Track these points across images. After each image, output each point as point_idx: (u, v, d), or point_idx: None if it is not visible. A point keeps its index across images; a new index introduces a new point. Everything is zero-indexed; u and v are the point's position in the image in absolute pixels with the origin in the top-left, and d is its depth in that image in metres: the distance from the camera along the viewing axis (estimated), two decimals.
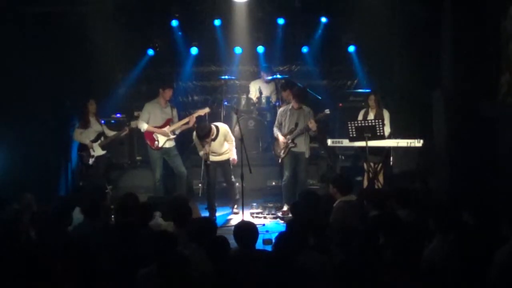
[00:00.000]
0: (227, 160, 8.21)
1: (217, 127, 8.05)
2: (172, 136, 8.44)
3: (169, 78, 10.59)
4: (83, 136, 8.50)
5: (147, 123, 8.39)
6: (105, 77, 10.16)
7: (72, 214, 5.75)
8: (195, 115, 8.43)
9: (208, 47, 11.04)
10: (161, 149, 8.41)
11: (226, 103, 10.35)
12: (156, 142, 8.39)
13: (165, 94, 8.42)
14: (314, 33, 10.82)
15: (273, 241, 4.61)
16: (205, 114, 8.64)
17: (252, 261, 4.40)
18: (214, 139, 7.99)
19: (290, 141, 8.17)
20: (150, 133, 8.42)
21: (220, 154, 8.15)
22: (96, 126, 8.59)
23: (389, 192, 6.28)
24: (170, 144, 8.46)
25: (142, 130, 8.46)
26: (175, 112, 8.56)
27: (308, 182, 8.83)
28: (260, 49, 10.99)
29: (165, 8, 10.36)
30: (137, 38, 10.60)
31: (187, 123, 8.44)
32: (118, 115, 10.09)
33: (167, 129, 8.39)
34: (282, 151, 8.28)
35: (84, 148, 8.52)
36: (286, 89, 9.13)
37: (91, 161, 8.51)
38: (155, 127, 8.41)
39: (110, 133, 8.68)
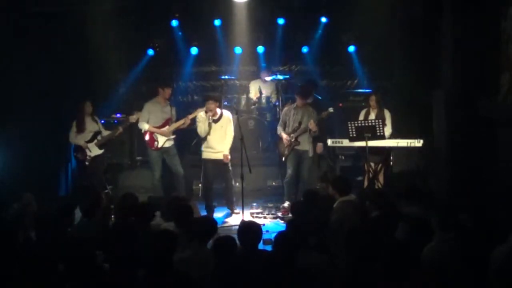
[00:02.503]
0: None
1: (222, 111, 8.15)
2: (171, 136, 8.44)
3: (169, 78, 10.58)
4: (78, 137, 8.49)
5: (147, 122, 8.39)
6: (105, 77, 10.15)
7: (73, 214, 5.76)
8: (190, 116, 8.42)
9: (208, 47, 11.04)
10: (161, 149, 8.41)
11: (226, 103, 10.35)
12: (156, 143, 8.39)
13: (165, 93, 8.42)
14: (314, 33, 10.82)
15: (273, 241, 4.61)
16: None
17: (253, 261, 4.40)
18: (216, 121, 8.02)
19: (293, 139, 8.18)
20: (150, 134, 8.41)
21: (217, 151, 8.10)
22: (91, 126, 8.57)
23: (397, 189, 6.26)
24: (169, 143, 8.46)
25: (143, 130, 8.46)
26: (174, 111, 8.56)
27: (313, 182, 8.78)
28: (260, 49, 11.00)
29: (165, 8, 10.35)
30: (137, 38, 10.60)
31: (184, 124, 8.43)
32: (118, 115, 10.08)
33: (167, 129, 8.39)
34: (286, 150, 8.28)
35: (79, 149, 8.50)
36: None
37: (87, 161, 8.50)
38: (155, 127, 8.40)
39: (105, 133, 8.68)
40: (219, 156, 8.13)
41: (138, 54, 10.71)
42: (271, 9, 10.64)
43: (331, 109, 8.22)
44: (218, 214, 8.27)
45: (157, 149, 8.39)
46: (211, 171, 8.20)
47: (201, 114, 8.13)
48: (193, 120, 8.46)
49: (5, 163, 8.07)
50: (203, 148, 8.24)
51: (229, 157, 8.18)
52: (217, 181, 8.49)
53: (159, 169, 8.45)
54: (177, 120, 8.52)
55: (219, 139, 8.09)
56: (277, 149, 8.80)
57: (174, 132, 8.44)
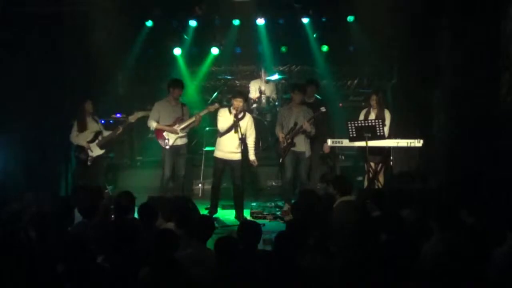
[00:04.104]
0: (238, 161, 7.95)
1: (245, 111, 8.06)
2: (182, 134, 8.41)
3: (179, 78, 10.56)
4: (80, 137, 8.50)
5: (158, 121, 8.38)
6: (105, 77, 10.16)
7: (73, 214, 5.76)
8: (202, 113, 8.40)
9: (208, 47, 11.05)
10: (172, 147, 8.40)
11: (226, 103, 10.35)
12: (166, 141, 8.35)
13: (174, 93, 8.39)
14: (314, 33, 10.81)
15: (273, 241, 4.61)
16: (214, 110, 8.57)
17: (254, 261, 4.41)
18: (240, 118, 7.88)
19: (289, 140, 8.14)
20: (160, 132, 8.39)
21: (230, 152, 7.96)
22: (93, 126, 8.58)
23: (390, 192, 6.27)
24: (181, 141, 8.42)
25: (152, 129, 8.44)
26: (185, 110, 8.50)
27: (314, 183, 8.76)
28: (261, 49, 11.01)
29: (165, 8, 10.35)
30: (138, 38, 10.58)
31: (194, 121, 8.41)
32: (118, 115, 10.09)
33: (176, 126, 8.36)
34: (283, 151, 8.25)
35: (81, 150, 8.52)
36: (309, 85, 9.02)
37: (89, 161, 8.51)
38: (166, 125, 8.39)
39: (106, 133, 8.69)
40: (232, 157, 7.97)
41: (138, 54, 10.70)
42: (271, 9, 10.63)
43: (323, 109, 8.21)
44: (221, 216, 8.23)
45: (168, 147, 8.38)
46: (221, 170, 8.10)
47: (224, 110, 8.00)
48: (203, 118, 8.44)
49: (5, 163, 8.07)
50: (216, 146, 8.14)
51: (256, 162, 8.02)
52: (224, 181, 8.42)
53: (169, 168, 8.36)
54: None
55: (234, 138, 7.88)
56: (276, 151, 8.76)
57: (183, 130, 8.40)
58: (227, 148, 7.98)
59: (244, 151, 7.95)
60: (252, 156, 8.02)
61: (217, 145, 8.13)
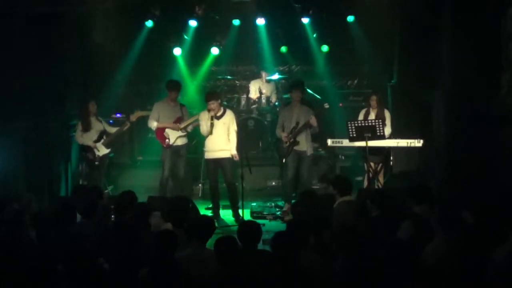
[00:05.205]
0: (227, 159, 8.03)
1: (225, 108, 8.12)
2: (182, 134, 8.41)
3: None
4: (85, 137, 8.52)
5: (158, 121, 8.38)
6: (105, 77, 10.15)
7: (73, 214, 5.76)
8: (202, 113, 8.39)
9: (208, 47, 11.04)
10: (172, 146, 8.39)
11: (225, 103, 10.35)
12: (167, 140, 8.33)
13: (171, 95, 8.41)
14: (314, 33, 10.80)
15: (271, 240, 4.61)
16: None
17: (254, 261, 4.41)
18: (219, 117, 7.98)
19: (291, 140, 8.14)
20: (161, 132, 8.38)
21: (219, 150, 8.03)
22: (97, 126, 8.61)
23: (405, 188, 6.24)
24: (182, 141, 8.43)
25: (153, 128, 8.44)
26: (184, 110, 8.51)
27: (311, 182, 8.77)
28: (261, 49, 11.01)
29: (166, 8, 10.35)
30: (138, 38, 10.58)
31: (197, 119, 8.41)
32: (118, 115, 10.09)
33: (177, 125, 8.37)
34: (286, 151, 8.24)
35: (88, 150, 8.53)
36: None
37: (96, 161, 8.53)
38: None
39: (112, 130, 8.70)
40: (220, 155, 8.03)
41: (138, 55, 10.70)
42: (270, 9, 10.63)
43: (326, 105, 8.24)
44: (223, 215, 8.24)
45: (169, 146, 8.36)
46: (214, 171, 8.15)
47: (203, 113, 8.10)
48: None
49: (5, 163, 8.06)
50: (204, 148, 8.20)
51: (237, 156, 8.04)
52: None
53: (168, 168, 8.37)
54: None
55: (220, 136, 7.99)
56: (277, 151, 8.75)
57: (186, 129, 8.38)
58: (215, 146, 8.03)
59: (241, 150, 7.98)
60: (233, 151, 8.04)
61: (205, 147, 8.17)
